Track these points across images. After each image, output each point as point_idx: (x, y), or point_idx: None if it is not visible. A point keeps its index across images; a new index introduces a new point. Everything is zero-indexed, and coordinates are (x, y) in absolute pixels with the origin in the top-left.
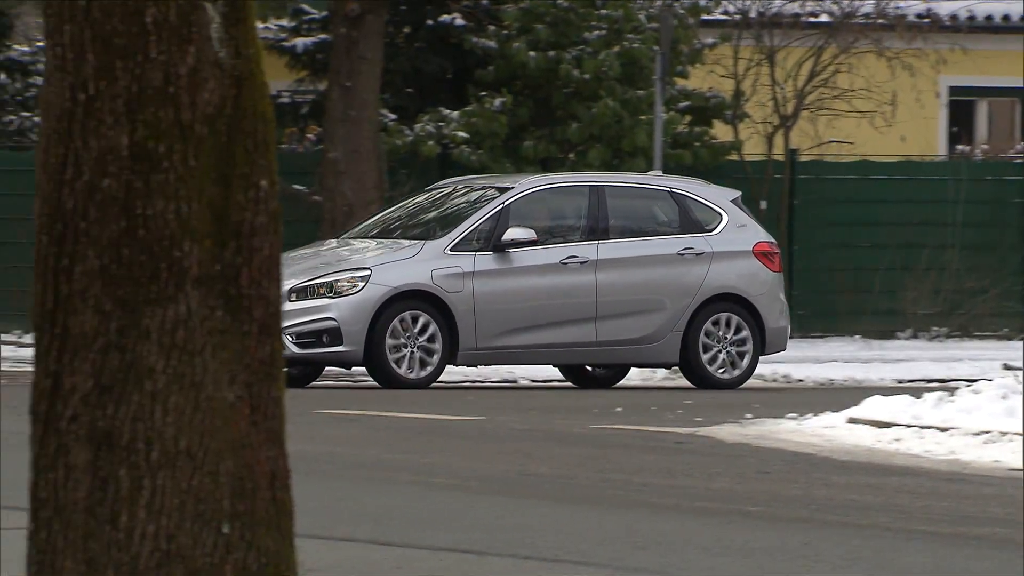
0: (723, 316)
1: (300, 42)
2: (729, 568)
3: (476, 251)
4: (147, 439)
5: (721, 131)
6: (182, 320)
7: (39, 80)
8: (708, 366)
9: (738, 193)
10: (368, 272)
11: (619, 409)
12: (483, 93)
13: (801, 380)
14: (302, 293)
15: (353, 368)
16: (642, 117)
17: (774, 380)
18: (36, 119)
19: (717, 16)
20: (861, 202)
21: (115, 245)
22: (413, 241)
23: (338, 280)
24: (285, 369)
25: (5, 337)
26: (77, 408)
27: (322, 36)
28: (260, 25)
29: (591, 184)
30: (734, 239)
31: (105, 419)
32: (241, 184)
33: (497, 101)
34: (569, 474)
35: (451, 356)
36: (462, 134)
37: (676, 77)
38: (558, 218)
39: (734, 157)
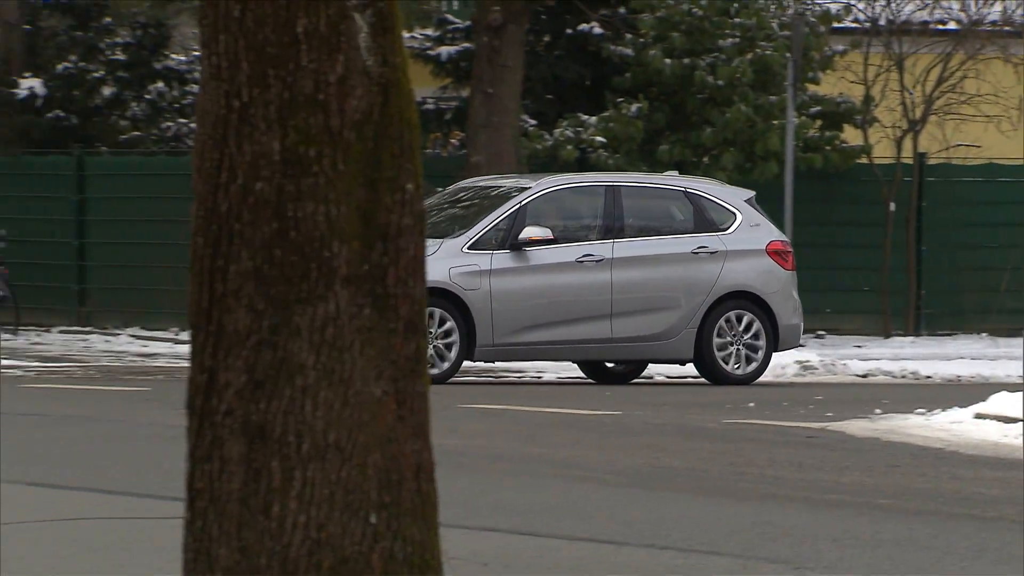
0: (737, 314)
1: (444, 51)
2: (858, 559)
3: (493, 250)
4: (298, 432)
5: (851, 135)
6: (331, 318)
7: (195, 88)
8: (721, 362)
9: (752, 193)
10: None
11: (751, 404)
12: (620, 99)
13: (929, 377)
14: None
15: None
16: (774, 122)
17: (903, 377)
18: (192, 125)
19: (847, 24)
20: (988, 204)
21: (267, 246)
22: (431, 240)
23: None
24: None
25: (162, 334)
26: (231, 402)
27: (465, 45)
28: (406, 34)
29: (607, 184)
30: (748, 238)
31: (258, 413)
32: (388, 187)
33: (634, 107)
34: (702, 467)
35: (468, 352)
36: (600, 139)
37: (807, 83)
38: (574, 217)
39: (864, 160)
